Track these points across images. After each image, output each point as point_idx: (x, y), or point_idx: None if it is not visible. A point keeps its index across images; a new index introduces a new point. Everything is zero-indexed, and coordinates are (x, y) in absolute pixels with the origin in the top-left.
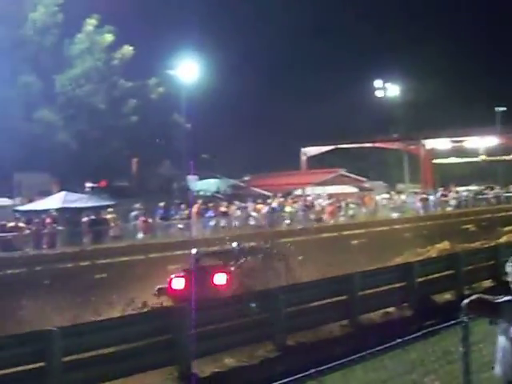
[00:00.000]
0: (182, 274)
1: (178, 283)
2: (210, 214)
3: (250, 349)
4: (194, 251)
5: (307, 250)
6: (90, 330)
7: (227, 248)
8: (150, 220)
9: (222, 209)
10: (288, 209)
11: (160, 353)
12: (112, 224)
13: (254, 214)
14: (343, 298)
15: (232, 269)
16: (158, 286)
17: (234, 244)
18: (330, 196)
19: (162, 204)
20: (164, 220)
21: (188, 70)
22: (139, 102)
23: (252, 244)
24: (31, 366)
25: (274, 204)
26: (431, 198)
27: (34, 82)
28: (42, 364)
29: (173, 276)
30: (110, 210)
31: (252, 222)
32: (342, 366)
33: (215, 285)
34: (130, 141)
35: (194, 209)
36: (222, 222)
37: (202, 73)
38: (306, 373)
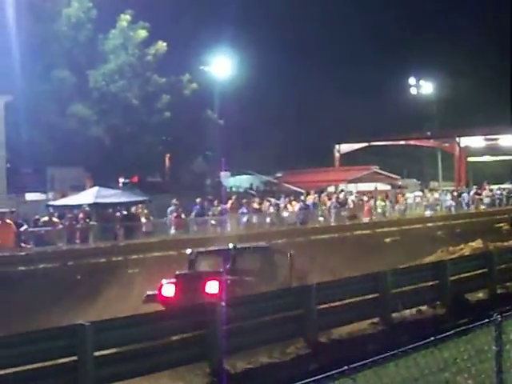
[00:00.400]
0: (172, 281)
1: (169, 290)
2: (243, 210)
3: (282, 345)
4: (188, 251)
5: (339, 247)
6: (123, 324)
7: (223, 248)
8: (182, 216)
9: (255, 205)
10: (321, 206)
11: (192, 348)
12: (144, 220)
13: (286, 210)
14: (375, 295)
15: (226, 276)
16: (148, 292)
17: (231, 245)
18: (363, 193)
19: (198, 200)
20: (200, 216)
21: (221, 66)
22: (172, 98)
23: (251, 244)
24: (63, 361)
25: (309, 201)
26: (465, 196)
27: (68, 77)
28: (74, 358)
29: (163, 282)
30: (142, 205)
31: (284, 219)
32: (375, 364)
33: (207, 294)
34: (162, 136)
35: (228, 205)
36: (255, 219)
37: (235, 69)
38: (339, 370)
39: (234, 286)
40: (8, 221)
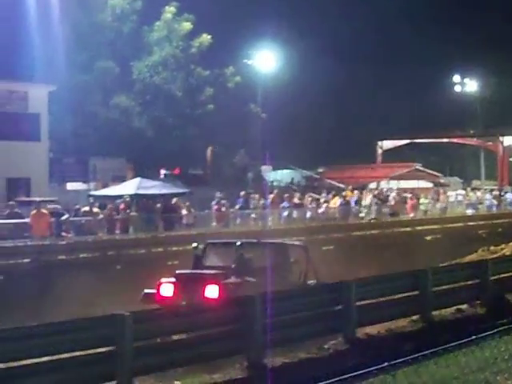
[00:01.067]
0: (171, 280)
1: (167, 290)
2: (285, 204)
3: (320, 341)
4: (194, 245)
5: (380, 244)
6: (162, 315)
7: (233, 242)
8: (223, 209)
9: (296, 200)
10: (363, 202)
11: (230, 342)
12: (185, 212)
13: (328, 205)
14: (415, 293)
15: (228, 279)
16: (146, 291)
17: (238, 242)
18: (405, 190)
19: (242, 193)
20: (243, 209)
21: (265, 60)
22: (215, 91)
23: (261, 240)
24: (101, 350)
25: (353, 197)
26: (508, 195)
27: (112, 68)
28: (112, 348)
29: (162, 280)
30: (183, 197)
31: (325, 214)
32: (415, 361)
33: (206, 298)
34: (205, 129)
35: (270, 199)
36: (296, 214)
37: (278, 63)
38: (379, 366)
39: (236, 289)
40: (43, 210)
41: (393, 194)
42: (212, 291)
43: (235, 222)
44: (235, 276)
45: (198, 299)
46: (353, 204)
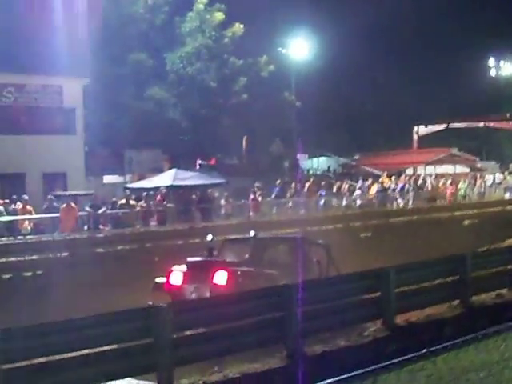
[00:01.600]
0: (181, 269)
1: (176, 278)
2: (322, 192)
3: (359, 328)
4: (209, 237)
5: (417, 230)
6: (200, 306)
7: (245, 237)
8: (259, 198)
9: (334, 187)
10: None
11: (270, 331)
12: (223, 202)
13: (363, 192)
14: (455, 278)
15: (240, 267)
16: (156, 280)
17: (252, 233)
18: (442, 176)
19: (278, 182)
20: (279, 198)
21: (299, 48)
22: (249, 80)
23: (277, 234)
24: (141, 342)
25: (392, 184)
26: None
27: (145, 60)
28: (152, 340)
29: (172, 269)
30: (219, 187)
31: (362, 201)
32: (455, 346)
33: (214, 284)
34: (240, 119)
35: (306, 187)
36: (333, 201)
37: (312, 51)
38: (419, 352)
39: (246, 277)
40: (72, 204)
41: (430, 180)
42: (220, 277)
43: (272, 211)
44: (248, 266)
45: (207, 286)
46: (399, 189)
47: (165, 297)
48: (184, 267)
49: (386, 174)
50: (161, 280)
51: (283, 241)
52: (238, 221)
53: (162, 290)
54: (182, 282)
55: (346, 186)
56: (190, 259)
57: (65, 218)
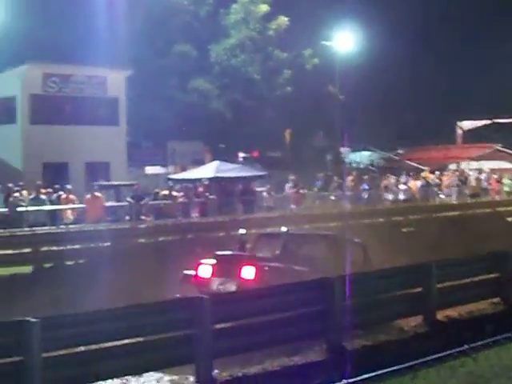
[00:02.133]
0: (210, 262)
1: (205, 271)
2: (365, 186)
3: (400, 323)
4: (241, 231)
5: (460, 225)
6: (241, 298)
7: (277, 232)
8: (301, 191)
9: (376, 181)
10: (443, 183)
11: (310, 324)
12: (266, 194)
13: (406, 187)
14: (497, 275)
15: (268, 262)
16: (185, 272)
17: (284, 229)
18: (487, 171)
19: (320, 175)
20: (322, 191)
21: (343, 41)
22: (294, 73)
23: (314, 232)
24: (179, 333)
25: (433, 178)
26: None
27: (189, 52)
28: (191, 331)
29: (201, 261)
30: (262, 180)
31: (405, 196)
32: (496, 344)
33: (242, 279)
34: (283, 111)
35: (349, 181)
36: (375, 195)
37: (357, 44)
38: (460, 348)
39: (275, 273)
40: (98, 194)
41: (474, 175)
42: (248, 272)
43: (314, 204)
44: (278, 262)
45: (234, 280)
46: (433, 184)
47: (192, 289)
48: (213, 260)
49: (429, 169)
50: (189, 272)
51: (316, 238)
52: (279, 214)
53: (190, 282)
54: (210, 275)
55: (389, 181)
56: (218, 252)
57: (90, 208)
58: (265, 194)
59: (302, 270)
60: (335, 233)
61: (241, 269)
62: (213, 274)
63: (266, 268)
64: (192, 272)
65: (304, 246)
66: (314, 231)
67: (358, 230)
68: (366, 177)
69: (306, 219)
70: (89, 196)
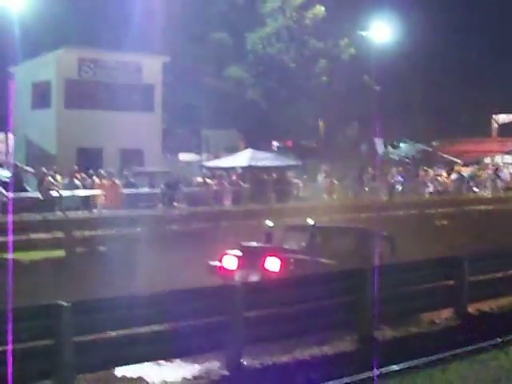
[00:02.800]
0: (235, 253)
1: (230, 262)
2: (399, 178)
3: (431, 316)
4: (269, 223)
5: (494, 219)
6: (273, 286)
7: (304, 225)
8: (334, 181)
9: (410, 173)
10: (477, 177)
11: (341, 314)
12: (301, 184)
13: (440, 179)
14: None
15: (293, 254)
16: (210, 263)
17: (310, 221)
18: None
19: (354, 166)
20: (356, 183)
21: (380, 31)
22: (329, 63)
23: (338, 225)
24: (211, 320)
25: (466, 171)
26: None
27: (225, 40)
28: (222, 318)
29: (226, 252)
30: (296, 169)
31: (439, 189)
32: None
33: (266, 270)
34: (318, 101)
35: (383, 172)
36: (410, 187)
37: (394, 34)
38: (491, 342)
39: (300, 265)
40: (116, 181)
41: (508, 169)
42: (273, 264)
43: (348, 195)
44: (304, 254)
45: (258, 271)
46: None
47: (217, 280)
48: (237, 252)
49: (462, 162)
50: (214, 263)
51: (343, 231)
52: (311, 204)
53: (215, 272)
54: (235, 266)
55: (427, 174)
56: (243, 244)
57: (108, 194)
58: (298, 183)
59: (328, 263)
60: (362, 226)
61: (265, 260)
62: (237, 266)
63: (291, 260)
64: (217, 263)
65: (331, 239)
66: (342, 224)
67: (389, 222)
68: (400, 168)
69: (339, 210)
70: (105, 182)
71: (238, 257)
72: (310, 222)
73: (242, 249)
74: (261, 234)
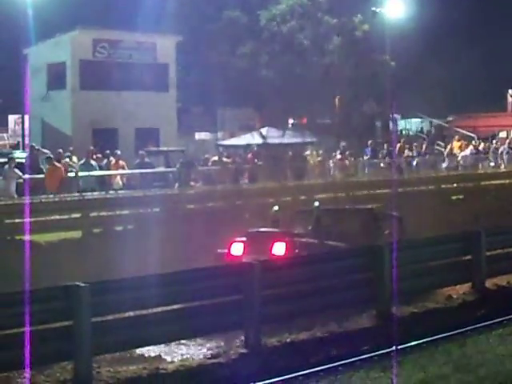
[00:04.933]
0: (242, 239)
1: (237, 249)
2: (414, 153)
3: (449, 291)
4: (275, 208)
5: (510, 193)
6: (290, 264)
7: (311, 208)
8: (347, 159)
9: (427, 149)
10: (492, 151)
11: (359, 291)
12: (317, 160)
13: (458, 154)
14: None
15: (300, 238)
16: (218, 250)
17: (316, 203)
18: None
19: (369, 142)
20: (371, 159)
21: (394, 7)
22: (343, 40)
23: (343, 206)
24: (229, 298)
25: (483, 146)
26: None
27: (239, 17)
28: (240, 297)
29: (234, 240)
30: (312, 146)
31: (454, 163)
32: None
33: (273, 255)
34: (333, 78)
35: (397, 148)
36: (424, 163)
37: (409, 10)
38: (509, 316)
39: (306, 248)
40: (57, 164)
41: None
42: (279, 248)
43: (364, 171)
44: (311, 238)
45: (266, 257)
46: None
47: None
48: (244, 238)
49: (477, 136)
50: (222, 251)
51: (350, 212)
52: (325, 181)
53: (223, 260)
54: (242, 253)
55: (446, 147)
56: (250, 230)
57: (49, 178)
58: (316, 159)
59: (335, 245)
60: (370, 206)
61: (272, 245)
62: (244, 252)
63: (298, 244)
64: (225, 250)
65: (338, 221)
66: (349, 206)
67: (405, 197)
68: (415, 144)
69: (354, 187)
70: (48, 166)
71: (244, 243)
72: (316, 204)
73: (249, 235)
74: (269, 219)
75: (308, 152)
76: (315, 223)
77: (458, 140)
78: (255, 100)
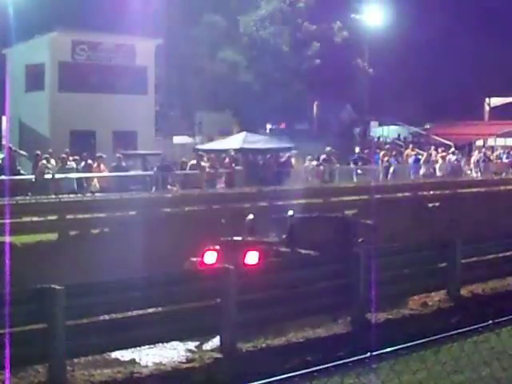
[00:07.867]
0: (215, 248)
1: (210, 257)
2: (392, 161)
3: (424, 298)
4: (250, 217)
5: (485, 202)
6: (265, 270)
7: (285, 216)
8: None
9: (403, 156)
10: (470, 160)
11: (334, 297)
12: (291, 166)
13: (433, 162)
14: None
15: (271, 246)
16: (191, 259)
17: (290, 212)
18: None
19: (357, 149)
20: (355, 165)
21: (373, 14)
22: (322, 46)
23: (321, 214)
24: (205, 303)
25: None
26: None
27: (219, 22)
28: (216, 302)
29: (207, 248)
30: (289, 152)
31: (430, 172)
32: None
33: (246, 264)
34: (311, 84)
35: (380, 155)
36: (401, 170)
37: (387, 18)
38: (484, 324)
39: (280, 257)
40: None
41: (497, 153)
42: (252, 257)
43: (346, 178)
44: (284, 246)
45: (239, 266)
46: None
47: None
48: (217, 247)
49: (454, 145)
50: (195, 259)
51: (322, 220)
52: (305, 186)
53: (196, 268)
54: (215, 262)
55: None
56: (223, 239)
57: None
58: (291, 163)
59: (308, 254)
60: (343, 214)
61: (245, 254)
62: (217, 261)
63: (271, 253)
64: (198, 259)
65: (311, 229)
66: (322, 213)
67: (382, 204)
68: (394, 152)
69: (331, 193)
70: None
71: (218, 252)
72: (290, 212)
73: (222, 244)
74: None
75: (293, 158)
76: (289, 231)
77: (412, 149)
78: (234, 104)
